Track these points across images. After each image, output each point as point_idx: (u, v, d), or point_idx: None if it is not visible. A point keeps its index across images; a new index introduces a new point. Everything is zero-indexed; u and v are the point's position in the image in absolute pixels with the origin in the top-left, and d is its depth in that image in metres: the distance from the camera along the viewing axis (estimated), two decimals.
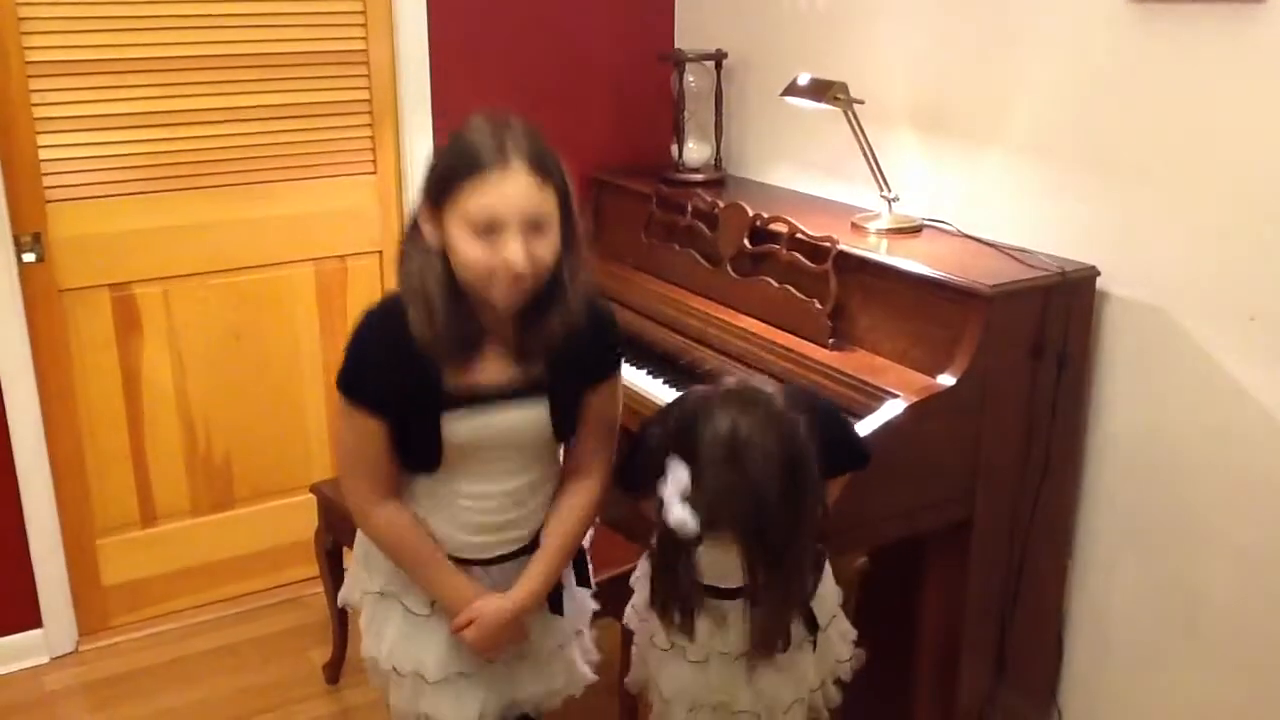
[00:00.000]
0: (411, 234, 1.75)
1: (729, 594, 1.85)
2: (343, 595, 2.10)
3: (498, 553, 1.89)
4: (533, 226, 1.65)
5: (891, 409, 2.13)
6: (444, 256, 1.69)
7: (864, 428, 2.09)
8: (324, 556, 2.77)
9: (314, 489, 2.78)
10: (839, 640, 2.02)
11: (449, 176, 1.67)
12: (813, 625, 1.90)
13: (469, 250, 1.65)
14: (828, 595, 1.97)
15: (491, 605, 1.84)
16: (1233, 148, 2.10)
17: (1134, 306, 2.30)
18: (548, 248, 1.68)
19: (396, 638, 1.90)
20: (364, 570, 1.97)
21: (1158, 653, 2.39)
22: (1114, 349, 2.36)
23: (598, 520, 2.02)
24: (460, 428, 1.75)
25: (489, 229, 1.63)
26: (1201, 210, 2.17)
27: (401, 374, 1.72)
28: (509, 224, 1.63)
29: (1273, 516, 2.14)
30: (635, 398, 2.64)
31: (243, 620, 3.17)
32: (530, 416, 1.80)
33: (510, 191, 1.63)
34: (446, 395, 1.73)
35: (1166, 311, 2.25)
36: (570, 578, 2.00)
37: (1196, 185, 2.17)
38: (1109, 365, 2.37)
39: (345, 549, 2.74)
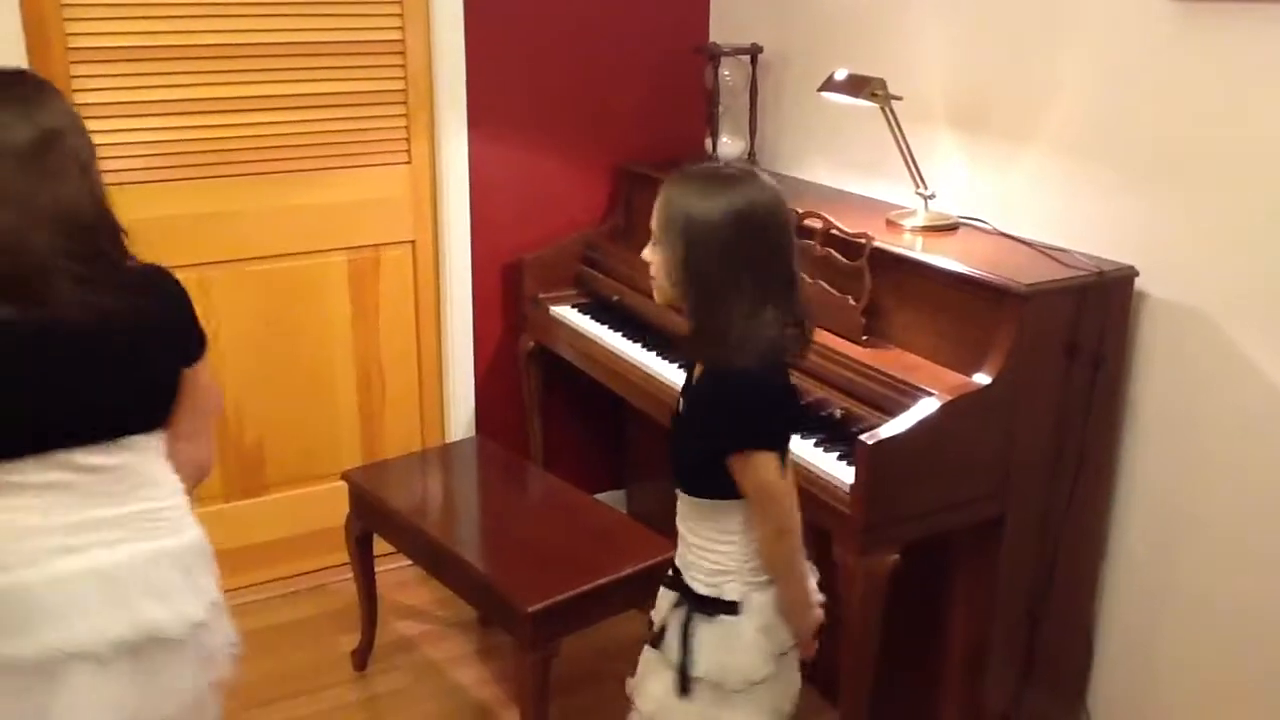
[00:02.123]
0: None
1: None
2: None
3: None
4: None
5: (925, 406, 2.12)
6: None
7: (898, 425, 2.08)
8: (354, 544, 2.79)
9: (345, 476, 2.79)
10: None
11: None
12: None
13: None
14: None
15: None
16: (1276, 149, 2.08)
17: (1172, 308, 2.28)
18: None
19: None
20: None
21: (1190, 656, 2.37)
22: (1151, 350, 2.34)
23: None
24: None
25: None
26: (1242, 212, 2.14)
27: None
28: None
29: None
30: (668, 391, 2.64)
31: (271, 606, 3.19)
32: None
33: None
34: None
35: (1205, 313, 2.23)
36: None
37: (1238, 187, 2.14)
38: (1145, 366, 2.35)
39: (375, 536, 2.77)
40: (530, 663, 2.26)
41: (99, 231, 1.61)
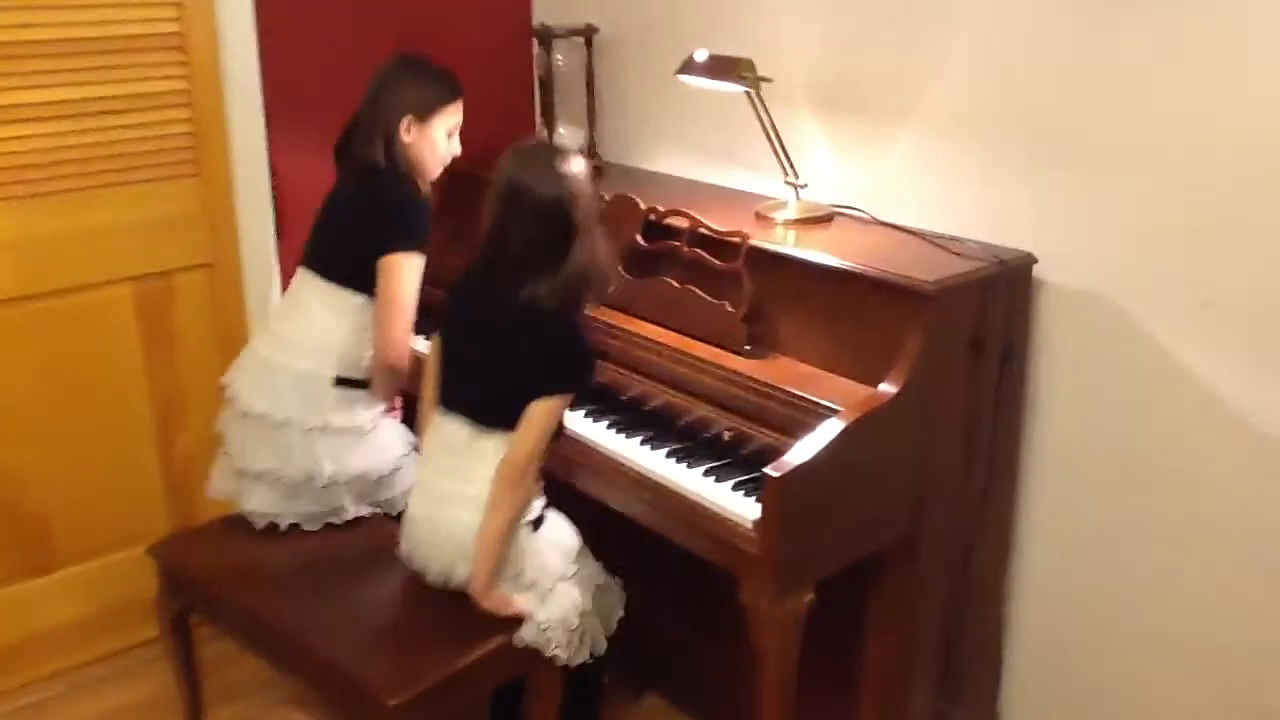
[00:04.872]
0: None
1: None
2: None
3: None
4: None
5: (832, 425, 1.88)
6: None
7: (804, 449, 1.84)
8: (168, 627, 2.36)
9: (152, 551, 2.36)
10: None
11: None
12: None
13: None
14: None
15: None
16: (1177, 118, 1.94)
17: (1073, 295, 2.14)
18: None
19: None
20: None
21: (1099, 654, 2.26)
22: (1053, 340, 2.19)
23: None
24: None
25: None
26: (1145, 188, 2.01)
27: None
28: None
29: (1226, 509, 2.01)
30: None
31: (74, 699, 2.72)
32: None
33: None
34: None
35: (1108, 298, 2.09)
36: None
37: (1138, 162, 2.01)
38: (1049, 359, 2.20)
39: (192, 615, 2.36)
40: None
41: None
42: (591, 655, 2.13)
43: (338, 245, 2.33)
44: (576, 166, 2.00)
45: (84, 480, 2.75)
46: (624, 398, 2.31)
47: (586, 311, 2.05)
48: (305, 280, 2.35)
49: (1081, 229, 2.10)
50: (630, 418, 2.25)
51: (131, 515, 2.81)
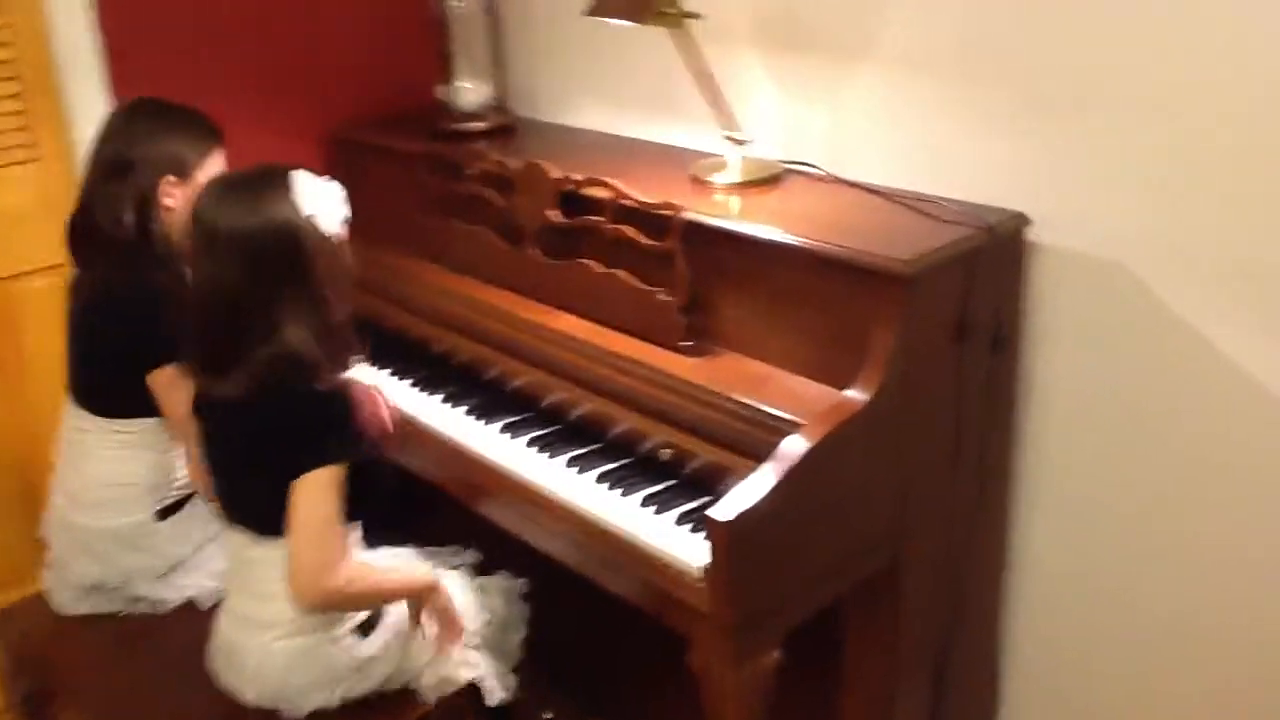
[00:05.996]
0: None
1: None
2: None
3: None
4: None
5: (792, 446, 1.52)
6: None
7: (757, 484, 1.48)
8: (19, 706, 1.99)
9: None
10: None
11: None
12: None
13: None
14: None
15: None
16: (1198, 45, 1.58)
17: (1076, 260, 1.77)
18: None
19: None
20: None
21: (1110, 668, 1.95)
22: (1052, 317, 1.83)
23: None
24: None
25: None
26: (1160, 130, 1.64)
27: None
28: None
29: (1268, 507, 1.67)
30: (428, 437, 1.97)
31: None
32: None
33: None
34: None
35: (1120, 263, 1.73)
36: None
37: (1150, 98, 1.64)
38: (1047, 339, 1.85)
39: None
40: None
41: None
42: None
43: (100, 373, 1.92)
44: (299, 191, 1.58)
45: None
46: (541, 405, 1.94)
47: (339, 375, 1.62)
48: (77, 418, 1.94)
49: (1083, 181, 1.73)
50: (549, 432, 1.89)
51: None
